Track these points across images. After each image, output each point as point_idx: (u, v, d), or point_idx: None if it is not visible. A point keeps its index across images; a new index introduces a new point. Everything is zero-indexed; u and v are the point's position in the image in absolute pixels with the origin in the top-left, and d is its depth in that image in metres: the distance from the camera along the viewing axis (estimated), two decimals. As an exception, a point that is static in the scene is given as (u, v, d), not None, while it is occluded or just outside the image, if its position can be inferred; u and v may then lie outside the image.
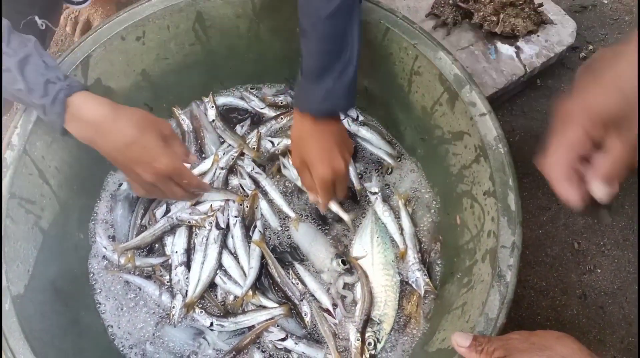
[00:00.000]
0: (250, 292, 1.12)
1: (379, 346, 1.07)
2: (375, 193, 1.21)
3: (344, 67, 0.95)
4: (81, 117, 0.92)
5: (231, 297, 1.15)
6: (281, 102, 1.34)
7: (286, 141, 1.26)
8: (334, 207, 1.14)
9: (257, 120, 1.34)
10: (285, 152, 1.25)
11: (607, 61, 0.71)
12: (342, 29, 0.94)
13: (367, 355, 1.06)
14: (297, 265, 1.15)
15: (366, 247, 1.15)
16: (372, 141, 1.28)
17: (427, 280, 1.10)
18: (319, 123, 0.98)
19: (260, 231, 1.18)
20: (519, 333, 0.72)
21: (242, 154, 1.27)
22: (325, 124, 0.99)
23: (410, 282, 1.12)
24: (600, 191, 0.65)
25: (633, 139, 0.62)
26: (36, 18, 1.11)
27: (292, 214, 1.20)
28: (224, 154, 1.26)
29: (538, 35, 1.39)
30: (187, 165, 1.23)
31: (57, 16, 1.23)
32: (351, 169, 1.23)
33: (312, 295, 1.12)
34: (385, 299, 1.10)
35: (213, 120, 1.31)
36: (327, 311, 1.10)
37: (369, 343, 1.06)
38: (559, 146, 0.66)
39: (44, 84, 0.90)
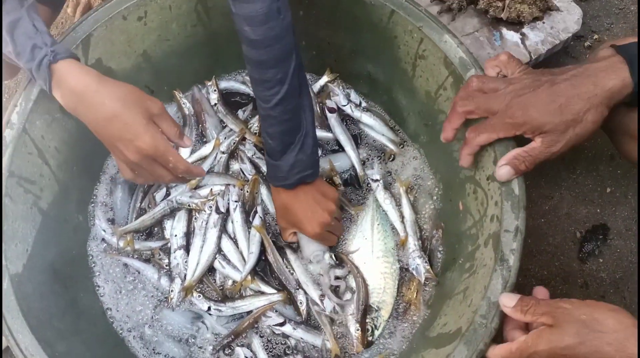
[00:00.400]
0: (249, 277, 1.12)
1: (377, 333, 1.07)
2: (376, 181, 1.20)
3: (303, 140, 1.00)
4: (65, 85, 0.90)
5: (230, 282, 1.14)
6: (283, 87, 1.33)
7: None
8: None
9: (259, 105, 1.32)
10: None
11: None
12: (294, 108, 0.98)
13: (365, 342, 1.05)
14: (289, 252, 1.14)
15: (366, 234, 1.14)
16: (375, 127, 1.26)
17: (428, 267, 1.10)
18: (294, 190, 1.04)
19: (260, 217, 1.17)
20: (570, 301, 0.72)
21: (243, 138, 1.26)
22: (300, 189, 1.05)
23: (410, 269, 1.12)
24: (503, 172, 0.86)
25: (549, 144, 0.80)
26: None
27: None
28: (225, 138, 1.25)
29: (544, 22, 1.37)
30: (186, 150, 1.23)
31: None
32: (353, 155, 1.22)
33: (300, 287, 1.12)
34: (384, 286, 1.09)
35: (215, 104, 1.29)
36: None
37: (367, 330, 1.05)
38: (492, 135, 0.85)
39: (31, 49, 0.87)
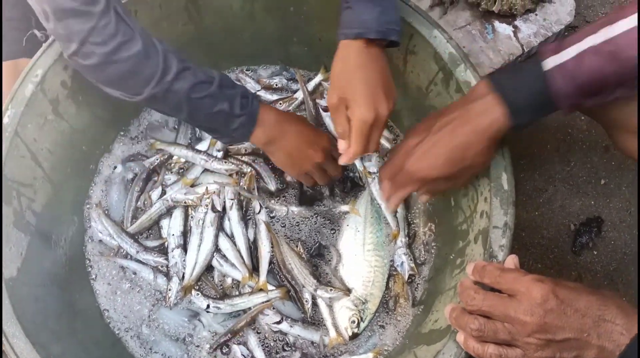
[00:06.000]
0: (247, 274, 1.12)
1: (362, 325, 1.07)
2: (373, 173, 1.20)
3: None
4: (267, 121, 1.01)
5: (228, 280, 1.15)
6: (276, 85, 1.33)
7: None
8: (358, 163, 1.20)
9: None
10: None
11: None
12: None
13: (350, 333, 1.06)
14: (286, 246, 1.14)
15: (359, 227, 1.15)
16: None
17: (412, 264, 1.11)
18: (365, 54, 0.89)
19: (265, 211, 1.18)
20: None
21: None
22: (373, 57, 0.89)
23: (395, 265, 1.13)
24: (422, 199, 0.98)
25: (452, 186, 0.90)
26: (35, 31, 1.11)
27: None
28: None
29: (536, 14, 1.37)
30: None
31: None
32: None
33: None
34: (373, 279, 1.10)
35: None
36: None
37: (353, 322, 1.06)
38: (405, 191, 0.93)
39: (241, 97, 0.98)
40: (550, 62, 0.74)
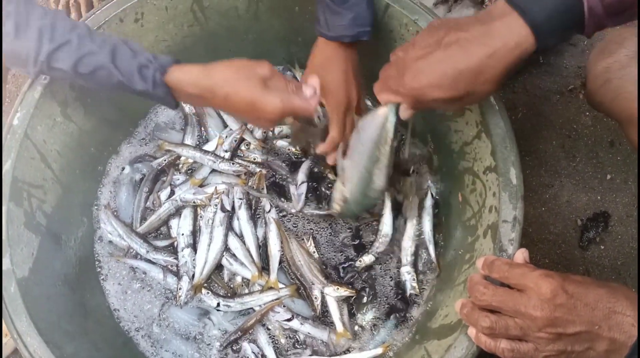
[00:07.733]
0: (257, 273, 1.13)
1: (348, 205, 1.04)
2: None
3: None
4: (182, 93, 0.92)
5: (238, 278, 1.16)
6: (281, 84, 1.33)
7: (287, 129, 1.27)
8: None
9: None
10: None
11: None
12: None
13: (337, 209, 1.05)
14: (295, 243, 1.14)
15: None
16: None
17: (415, 284, 1.11)
18: (341, 50, 1.02)
19: (275, 209, 1.19)
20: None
21: (243, 139, 1.27)
22: (347, 52, 1.02)
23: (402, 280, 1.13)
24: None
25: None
26: None
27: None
28: (226, 137, 1.26)
29: (540, 11, 1.37)
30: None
31: None
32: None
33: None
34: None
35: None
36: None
37: (341, 199, 1.03)
38: (391, 97, 0.83)
39: (138, 70, 0.89)
40: None
